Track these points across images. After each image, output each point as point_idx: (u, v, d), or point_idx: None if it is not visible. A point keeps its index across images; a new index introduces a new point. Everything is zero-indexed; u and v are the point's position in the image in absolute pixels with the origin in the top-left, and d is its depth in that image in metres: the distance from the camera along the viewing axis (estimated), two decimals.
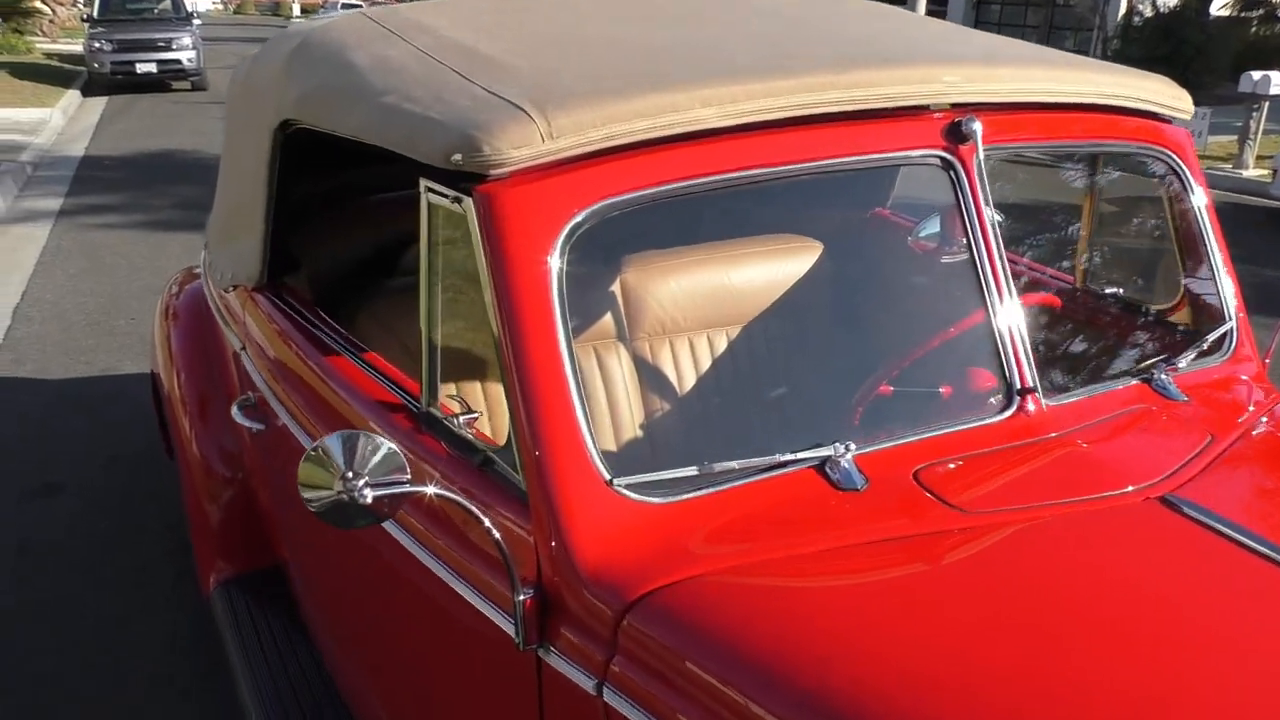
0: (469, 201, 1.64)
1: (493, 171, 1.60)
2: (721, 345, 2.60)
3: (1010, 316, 1.83)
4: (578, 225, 1.62)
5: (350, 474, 1.39)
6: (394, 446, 1.44)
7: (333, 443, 1.40)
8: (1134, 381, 2.02)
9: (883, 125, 1.84)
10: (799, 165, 1.76)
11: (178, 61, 17.07)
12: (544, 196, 1.61)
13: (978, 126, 1.84)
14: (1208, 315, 2.29)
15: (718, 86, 1.70)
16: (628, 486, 1.55)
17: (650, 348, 2.55)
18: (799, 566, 1.48)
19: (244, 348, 2.77)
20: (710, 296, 2.57)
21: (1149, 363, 2.09)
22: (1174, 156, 2.24)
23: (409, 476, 1.44)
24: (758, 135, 1.73)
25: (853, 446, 1.65)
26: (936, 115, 1.88)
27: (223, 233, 3.05)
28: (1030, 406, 1.81)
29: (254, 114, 2.58)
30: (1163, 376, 2.02)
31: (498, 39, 2.05)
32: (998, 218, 1.86)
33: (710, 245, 2.63)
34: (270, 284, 2.64)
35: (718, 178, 1.70)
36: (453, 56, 1.95)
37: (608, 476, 1.55)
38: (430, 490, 1.46)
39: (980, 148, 1.85)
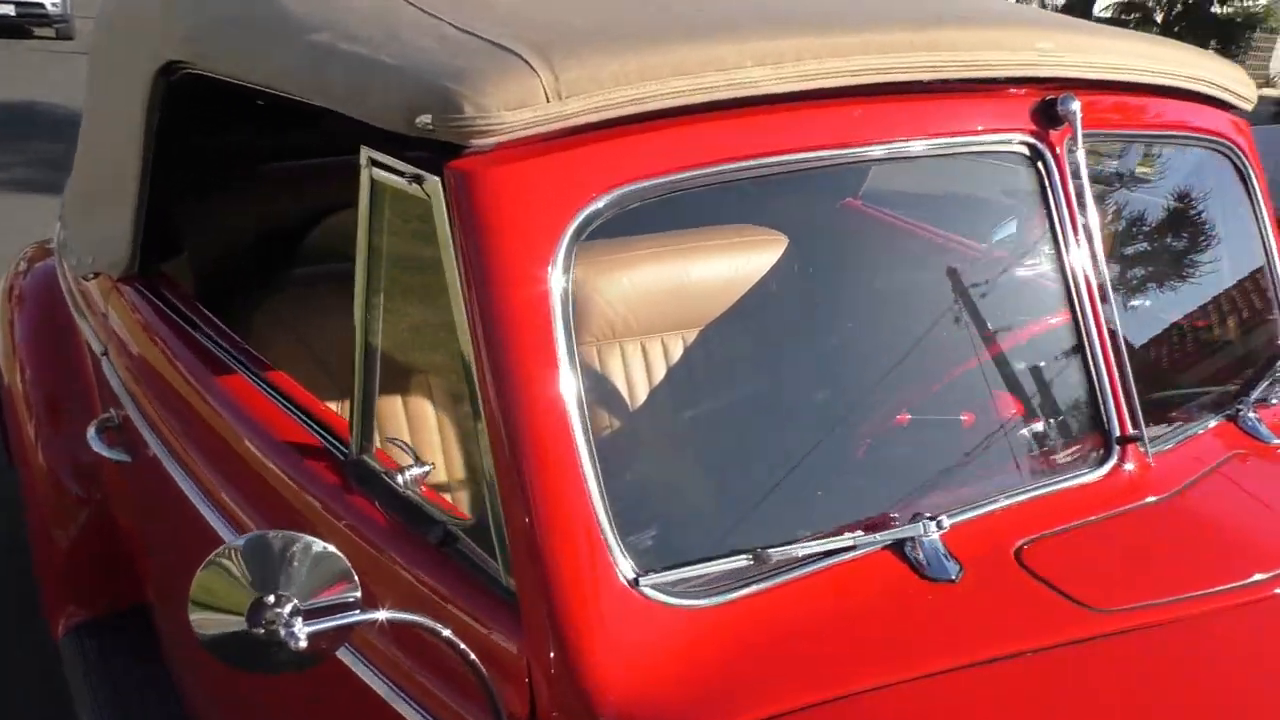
0: (435, 183, 1.18)
1: (475, 141, 1.14)
2: (678, 353, 2.22)
3: (1112, 349, 1.47)
4: (590, 219, 1.18)
5: (272, 598, 0.92)
6: (332, 548, 0.98)
7: (245, 548, 0.94)
8: (1216, 421, 1.69)
9: (960, 101, 1.44)
10: (868, 146, 1.35)
11: (40, 5, 15.63)
12: (547, 179, 1.16)
13: (1076, 106, 1.46)
14: (1266, 336, 1.98)
15: (774, 40, 1.27)
16: (658, 586, 1.13)
17: (599, 354, 2.15)
18: (913, 700, 1.07)
19: (106, 353, 2.22)
20: (669, 295, 2.17)
21: (1227, 397, 1.76)
22: (1240, 153, 1.92)
23: (359, 594, 0.98)
24: (818, 106, 1.31)
25: (945, 522, 1.26)
26: (1016, 91, 1.50)
27: (83, 207, 2.47)
28: (1129, 462, 1.45)
29: (126, 55, 2.03)
30: (1250, 415, 1.70)
31: None
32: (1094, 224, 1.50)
33: (661, 237, 2.22)
34: (143, 273, 2.10)
35: (772, 160, 1.28)
36: None
37: (631, 574, 1.12)
38: (382, 616, 1.01)
39: (1080, 133, 1.47)
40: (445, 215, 1.17)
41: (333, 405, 1.98)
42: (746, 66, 1.24)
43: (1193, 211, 2.06)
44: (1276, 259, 1.95)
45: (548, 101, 1.14)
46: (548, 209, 1.16)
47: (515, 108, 1.13)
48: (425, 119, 1.14)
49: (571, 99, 1.15)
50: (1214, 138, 1.87)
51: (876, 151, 1.36)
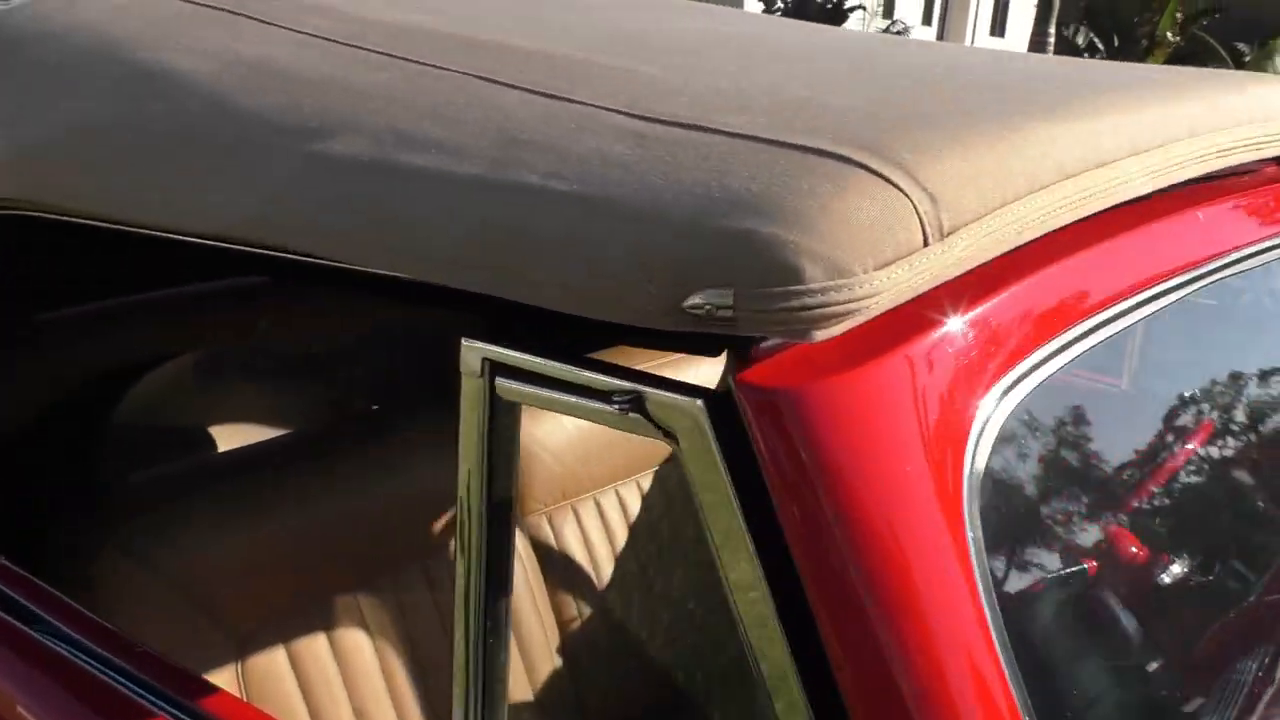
0: (693, 409, 0.62)
1: (819, 331, 0.60)
2: (635, 505, 1.82)
3: None
4: (988, 426, 0.67)
5: None
6: None
7: None
8: None
9: (1254, 192, 1.05)
10: (1221, 259, 0.92)
11: None
12: (934, 381, 0.64)
13: None
14: None
15: (1128, 114, 0.82)
16: None
17: (550, 524, 1.69)
18: None
19: None
20: (613, 438, 1.75)
21: None
22: None
23: None
24: (1171, 206, 0.88)
25: None
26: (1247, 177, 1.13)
27: None
28: None
29: None
30: None
31: (523, 33, 0.99)
32: None
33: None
34: None
35: (1159, 289, 0.82)
36: (464, 56, 0.87)
37: None
38: None
39: None
40: (725, 471, 0.62)
41: (221, 676, 1.31)
42: (1123, 159, 0.77)
43: None
44: None
45: (926, 244, 0.62)
46: (945, 426, 0.63)
47: (889, 262, 0.60)
48: (716, 297, 0.59)
49: (955, 235, 0.64)
50: None
51: (1222, 265, 0.93)
